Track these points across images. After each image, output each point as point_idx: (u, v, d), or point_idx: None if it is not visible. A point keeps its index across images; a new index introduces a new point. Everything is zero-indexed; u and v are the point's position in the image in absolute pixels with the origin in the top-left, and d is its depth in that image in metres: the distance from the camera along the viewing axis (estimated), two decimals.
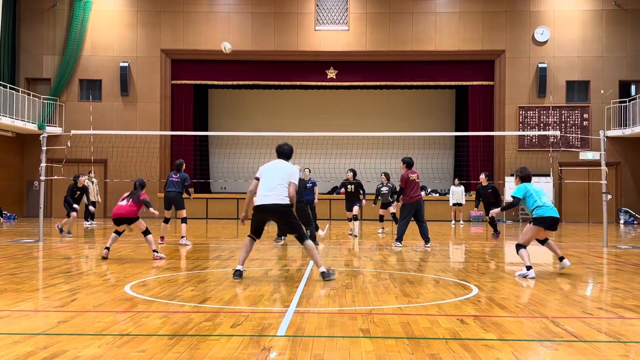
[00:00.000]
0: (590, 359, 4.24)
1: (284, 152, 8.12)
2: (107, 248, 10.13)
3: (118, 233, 10.42)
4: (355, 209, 15.48)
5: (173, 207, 13.19)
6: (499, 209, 9.37)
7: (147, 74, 24.97)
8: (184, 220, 13.27)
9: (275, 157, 8.16)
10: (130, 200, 10.28)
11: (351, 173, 15.61)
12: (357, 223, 15.51)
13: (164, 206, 13.22)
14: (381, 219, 16.75)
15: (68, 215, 15.10)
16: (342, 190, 15.81)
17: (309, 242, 7.81)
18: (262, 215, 7.86)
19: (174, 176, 13.28)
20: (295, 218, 7.89)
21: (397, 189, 16.04)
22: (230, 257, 10.54)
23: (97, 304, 6.10)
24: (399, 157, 23.03)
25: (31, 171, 24.09)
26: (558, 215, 8.64)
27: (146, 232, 10.34)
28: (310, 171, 15.12)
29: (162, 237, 12.96)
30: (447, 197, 21.93)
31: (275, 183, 7.74)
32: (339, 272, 8.50)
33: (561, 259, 8.76)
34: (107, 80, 25.01)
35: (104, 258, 9.95)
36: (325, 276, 7.67)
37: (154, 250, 10.21)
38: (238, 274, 7.81)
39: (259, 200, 7.81)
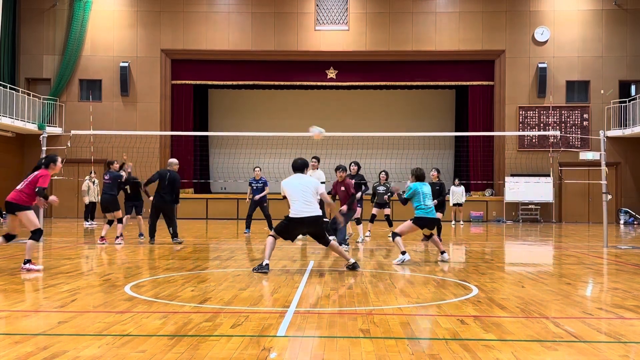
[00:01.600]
0: (590, 359, 4.25)
1: (298, 167, 8.82)
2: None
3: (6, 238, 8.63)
4: (358, 210, 13.27)
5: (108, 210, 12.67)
6: (400, 199, 10.40)
7: (147, 74, 24.97)
8: (119, 220, 12.73)
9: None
10: (24, 182, 8.44)
11: (356, 167, 13.66)
12: (361, 227, 13.66)
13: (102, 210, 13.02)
14: (372, 219, 14.68)
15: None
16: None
17: (334, 243, 8.86)
18: (299, 226, 8.61)
19: (105, 177, 12.72)
20: (323, 227, 8.83)
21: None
22: (230, 257, 10.53)
23: (97, 304, 6.10)
24: (399, 157, 23.25)
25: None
26: (435, 217, 10.04)
27: (33, 235, 8.43)
28: (260, 169, 15.63)
29: (102, 237, 12.56)
30: (447, 197, 21.91)
31: (309, 197, 8.54)
32: (339, 272, 8.50)
33: (442, 252, 10.01)
34: (107, 80, 25.01)
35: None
36: (350, 267, 8.66)
37: (26, 260, 8.42)
38: (267, 267, 8.40)
39: (296, 213, 8.48)
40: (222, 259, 10.20)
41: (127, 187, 13.52)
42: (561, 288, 7.39)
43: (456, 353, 4.33)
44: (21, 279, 7.81)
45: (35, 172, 8.54)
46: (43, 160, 8.75)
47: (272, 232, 8.72)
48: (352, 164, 13.73)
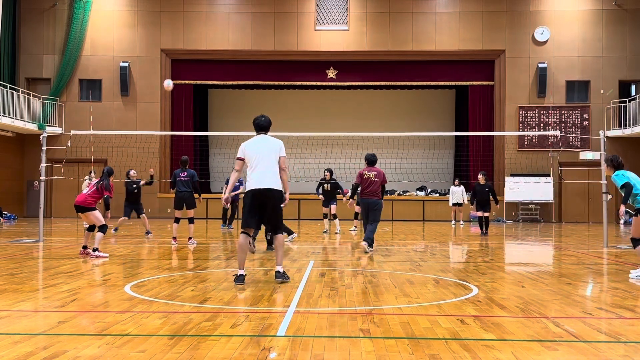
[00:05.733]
0: (590, 359, 4.24)
1: (263, 125, 7.63)
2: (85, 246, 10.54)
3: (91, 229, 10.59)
4: (333, 207, 16.34)
5: (185, 206, 12.86)
6: (623, 205, 8.81)
7: (147, 74, 24.97)
8: (191, 220, 13.01)
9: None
10: (94, 187, 10.37)
11: (328, 173, 16.45)
12: (337, 221, 16.44)
13: (174, 206, 12.99)
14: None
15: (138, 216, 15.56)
16: (320, 191, 16.56)
17: (282, 236, 7.57)
18: (257, 200, 7.26)
19: (182, 175, 12.82)
20: (280, 208, 7.43)
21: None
22: (230, 256, 10.53)
23: (97, 304, 6.10)
24: (399, 157, 23.24)
25: (31, 171, 24.09)
26: None
27: (100, 228, 10.29)
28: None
29: (174, 238, 12.61)
30: (447, 197, 21.93)
31: (268, 166, 7.28)
32: (339, 272, 8.50)
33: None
34: (107, 80, 25.01)
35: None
36: (279, 276, 7.39)
37: (95, 249, 10.22)
38: (241, 279, 7.24)
39: (252, 184, 7.27)
40: (222, 259, 10.20)
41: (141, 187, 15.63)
42: (561, 288, 7.38)
43: (456, 353, 4.33)
44: (21, 278, 7.81)
45: (101, 182, 10.31)
46: (105, 171, 10.55)
47: (241, 230, 7.42)
48: (326, 170, 16.48)
